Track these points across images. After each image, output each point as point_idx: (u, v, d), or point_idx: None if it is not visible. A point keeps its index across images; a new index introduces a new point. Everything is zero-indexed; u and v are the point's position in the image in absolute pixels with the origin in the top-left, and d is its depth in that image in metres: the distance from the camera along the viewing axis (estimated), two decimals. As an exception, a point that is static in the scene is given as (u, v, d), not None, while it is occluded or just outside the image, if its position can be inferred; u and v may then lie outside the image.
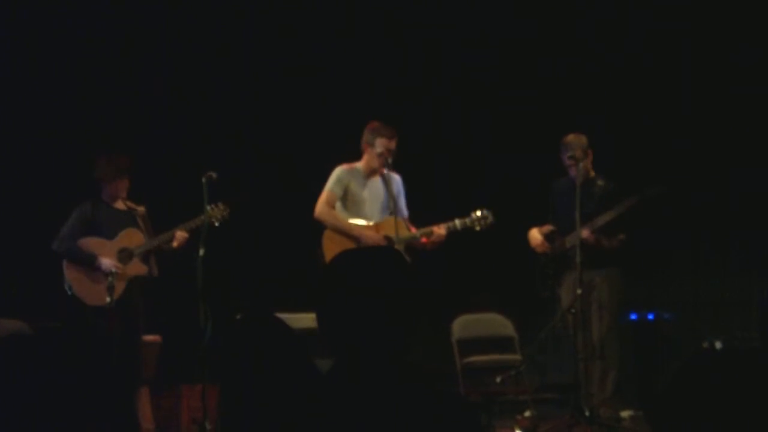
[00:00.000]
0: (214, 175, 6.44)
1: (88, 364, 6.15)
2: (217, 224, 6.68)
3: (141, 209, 6.99)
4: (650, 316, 8.14)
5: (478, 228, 6.91)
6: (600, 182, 7.05)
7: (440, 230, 6.80)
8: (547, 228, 7.17)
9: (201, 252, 6.37)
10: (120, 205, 6.96)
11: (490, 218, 6.90)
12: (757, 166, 8.17)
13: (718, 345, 7.63)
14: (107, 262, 6.71)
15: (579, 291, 6.48)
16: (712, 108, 8.43)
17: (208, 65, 8.68)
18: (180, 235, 6.81)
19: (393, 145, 6.82)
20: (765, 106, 8.20)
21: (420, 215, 7.01)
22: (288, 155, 8.62)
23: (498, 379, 7.05)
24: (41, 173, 8.27)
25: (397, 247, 6.67)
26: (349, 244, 6.69)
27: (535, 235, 7.16)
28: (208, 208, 6.59)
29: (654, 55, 8.61)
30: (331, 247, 6.72)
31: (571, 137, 7.04)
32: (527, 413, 7.26)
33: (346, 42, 8.80)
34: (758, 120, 8.25)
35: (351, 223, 6.84)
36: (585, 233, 6.74)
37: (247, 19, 8.79)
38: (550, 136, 7.26)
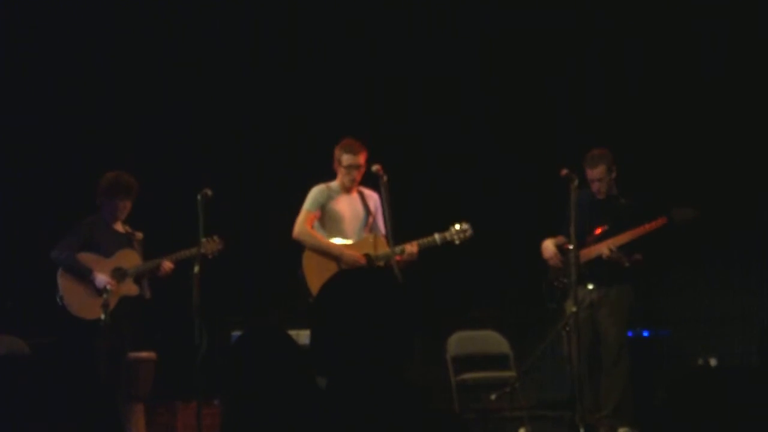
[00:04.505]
0: (209, 192, 6.43)
1: (79, 380, 6.13)
2: (210, 257, 6.64)
3: (139, 234, 6.97)
4: (645, 333, 8.12)
5: (457, 242, 6.87)
6: (623, 200, 6.95)
7: (412, 248, 6.74)
8: (561, 239, 7.00)
9: (196, 269, 6.36)
10: (119, 227, 6.94)
11: (470, 231, 6.86)
12: (755, 183, 8.14)
13: (713, 362, 7.63)
14: (102, 278, 6.69)
15: (574, 309, 6.46)
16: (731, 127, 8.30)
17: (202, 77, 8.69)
18: (166, 265, 6.78)
19: (360, 160, 6.76)
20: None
21: (402, 230, 6.92)
22: (284, 172, 8.61)
23: (493, 396, 7.02)
24: (38, 189, 8.27)
25: (377, 264, 6.66)
26: (329, 264, 6.67)
27: (549, 246, 7.03)
28: (203, 240, 6.56)
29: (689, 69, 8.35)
30: (311, 267, 6.69)
31: (596, 153, 6.95)
32: (522, 430, 7.24)
33: (334, 53, 8.77)
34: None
35: (330, 243, 6.79)
36: (605, 250, 6.72)
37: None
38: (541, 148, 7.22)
